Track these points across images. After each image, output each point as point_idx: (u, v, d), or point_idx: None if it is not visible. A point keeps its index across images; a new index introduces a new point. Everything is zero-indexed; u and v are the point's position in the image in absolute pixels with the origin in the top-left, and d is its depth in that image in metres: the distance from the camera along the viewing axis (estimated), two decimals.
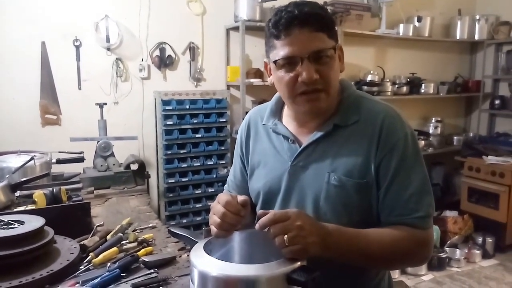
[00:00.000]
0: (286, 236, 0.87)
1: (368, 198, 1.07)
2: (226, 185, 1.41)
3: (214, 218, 0.99)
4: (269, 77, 1.16)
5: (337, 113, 1.11)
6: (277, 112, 1.23)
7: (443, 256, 3.73)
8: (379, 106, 1.11)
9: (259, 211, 0.95)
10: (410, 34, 4.42)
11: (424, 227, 1.04)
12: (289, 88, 1.06)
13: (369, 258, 1.01)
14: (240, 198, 1.00)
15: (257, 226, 0.90)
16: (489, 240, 3.99)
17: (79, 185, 1.99)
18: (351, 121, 1.09)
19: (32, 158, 2.05)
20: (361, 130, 1.08)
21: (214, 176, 3.55)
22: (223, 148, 3.56)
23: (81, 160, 2.39)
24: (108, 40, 3.23)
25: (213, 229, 0.99)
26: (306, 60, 1.01)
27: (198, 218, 3.51)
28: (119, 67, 3.31)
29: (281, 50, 1.03)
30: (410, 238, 1.02)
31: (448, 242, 4.00)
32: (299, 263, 0.86)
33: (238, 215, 0.97)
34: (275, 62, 1.06)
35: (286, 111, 1.21)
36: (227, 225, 0.97)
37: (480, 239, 4.03)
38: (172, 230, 1.18)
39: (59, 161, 2.28)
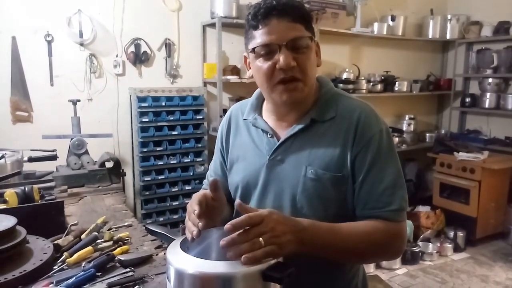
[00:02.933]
0: (261, 239, 0.86)
1: (344, 191, 1.09)
2: (205, 180, 1.42)
3: (188, 224, 1.00)
4: (248, 70, 1.18)
5: (314, 108, 1.14)
6: (257, 107, 1.24)
7: (416, 250, 3.82)
8: (355, 103, 1.14)
9: (237, 202, 0.93)
10: (384, 32, 4.50)
11: (397, 220, 1.06)
12: (267, 77, 1.08)
13: (344, 251, 1.03)
14: (210, 180, 1.06)
15: (229, 226, 0.86)
16: (460, 234, 4.11)
17: (52, 184, 1.94)
18: (328, 117, 1.12)
19: (2, 156, 1.99)
20: (338, 125, 1.10)
21: (191, 173, 3.53)
22: (200, 145, 3.54)
23: (54, 158, 2.33)
24: (81, 35, 3.17)
25: (188, 233, 0.98)
26: (283, 48, 1.04)
27: (175, 216, 3.49)
28: (93, 63, 3.25)
29: (259, 39, 1.06)
30: (383, 231, 1.04)
31: (421, 236, 4.10)
32: (274, 259, 0.86)
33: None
34: (253, 50, 1.07)
35: (266, 106, 1.23)
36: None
37: (451, 233, 4.14)
38: (148, 227, 1.18)
39: (31, 159, 2.22)
